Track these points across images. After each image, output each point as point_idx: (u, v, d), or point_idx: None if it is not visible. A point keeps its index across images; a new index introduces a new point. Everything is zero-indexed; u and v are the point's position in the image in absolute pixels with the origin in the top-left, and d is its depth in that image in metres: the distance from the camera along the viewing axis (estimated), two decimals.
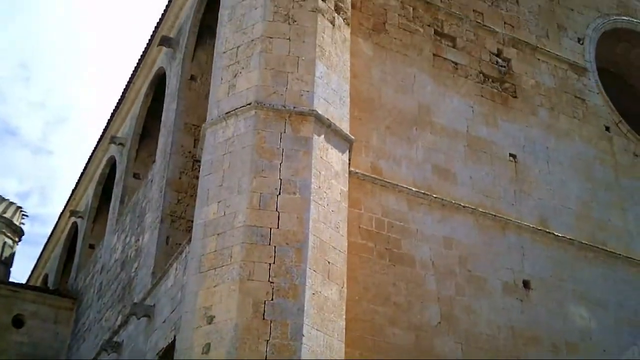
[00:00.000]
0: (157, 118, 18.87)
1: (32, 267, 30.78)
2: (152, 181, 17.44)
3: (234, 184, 11.57)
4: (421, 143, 14.57)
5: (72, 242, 26.10)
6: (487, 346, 13.12)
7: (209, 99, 13.13)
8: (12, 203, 32.52)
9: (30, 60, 73.60)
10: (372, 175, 13.60)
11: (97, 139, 23.82)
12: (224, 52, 13.07)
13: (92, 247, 23.36)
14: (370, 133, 14.07)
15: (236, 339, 10.26)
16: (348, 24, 13.99)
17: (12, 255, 31.85)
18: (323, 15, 13.22)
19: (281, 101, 12.18)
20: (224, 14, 13.67)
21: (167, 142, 16.93)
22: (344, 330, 11.19)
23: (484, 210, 14.40)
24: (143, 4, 72.24)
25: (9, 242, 31.78)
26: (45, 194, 73.37)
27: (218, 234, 11.25)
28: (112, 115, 22.49)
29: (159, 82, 19.78)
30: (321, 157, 12.01)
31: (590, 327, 14.40)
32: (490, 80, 16.14)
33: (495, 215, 14.48)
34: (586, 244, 15.28)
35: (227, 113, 12.29)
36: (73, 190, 25.95)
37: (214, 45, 14.06)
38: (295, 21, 12.92)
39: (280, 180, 11.53)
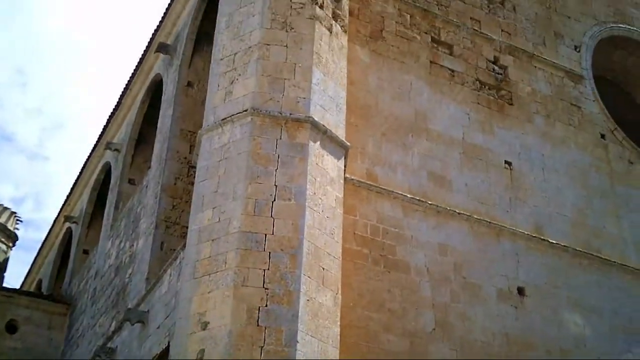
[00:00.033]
0: (153, 124, 18.86)
1: (26, 272, 30.70)
2: (147, 187, 17.43)
3: (229, 190, 11.57)
4: (417, 150, 14.59)
5: (66, 248, 26.04)
6: (481, 353, 13.12)
7: (205, 106, 13.13)
8: (6, 208, 32.46)
9: (27, 66, 73.62)
10: (368, 182, 13.61)
11: (92, 145, 23.82)
12: (221, 59, 13.08)
13: (86, 252, 23.29)
14: (366, 140, 14.08)
15: (230, 345, 10.24)
16: (345, 32, 14.02)
17: (6, 260, 31.75)
18: (320, 22, 13.24)
19: (277, 108, 12.20)
20: (221, 21, 13.69)
21: (163, 148, 16.92)
22: (339, 337, 11.18)
23: (479, 217, 14.41)
24: (140, 11, 72.32)
25: (3, 247, 31.70)
26: (40, 199, 73.28)
27: (213, 240, 11.25)
28: (108, 121, 22.48)
29: (155, 89, 19.78)
30: (317, 164, 12.01)
31: (585, 334, 14.40)
32: (486, 87, 16.17)
33: (490, 222, 14.49)
34: (581, 251, 15.29)
35: (223, 119, 12.30)
36: (68, 196, 25.90)
37: (211, 52, 14.09)
38: (293, 28, 12.95)
39: (276, 186, 11.54)
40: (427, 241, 13.62)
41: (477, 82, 16.08)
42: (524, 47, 17.24)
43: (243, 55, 12.81)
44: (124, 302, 16.54)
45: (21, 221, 33.33)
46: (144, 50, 19.95)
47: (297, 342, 10.40)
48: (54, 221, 27.21)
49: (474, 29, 16.66)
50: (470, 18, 16.79)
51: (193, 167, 14.63)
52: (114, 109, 22.05)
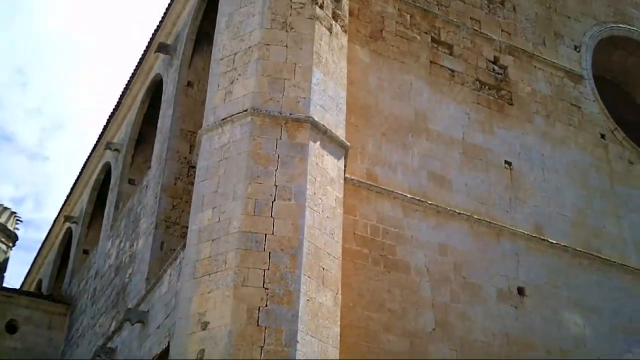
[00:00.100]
0: (153, 124, 18.86)
1: (26, 272, 30.71)
2: (147, 187, 17.43)
3: (229, 190, 11.57)
4: (417, 150, 14.59)
5: (66, 248, 26.04)
6: (481, 353, 13.12)
7: (205, 105, 13.13)
8: (6, 208, 32.45)
9: (27, 66, 73.61)
10: (368, 182, 13.60)
11: (92, 145, 23.83)
12: (221, 59, 13.08)
13: (86, 252, 23.29)
14: (366, 140, 14.08)
15: (230, 345, 10.25)
16: (345, 32, 14.02)
17: (6, 260, 31.75)
18: (320, 22, 13.24)
19: (277, 108, 12.20)
20: (221, 21, 13.69)
21: (163, 148, 16.93)
22: (339, 337, 11.18)
23: (479, 217, 14.41)
24: (140, 11, 72.31)
25: (3, 247, 31.69)
26: (40, 199, 73.28)
27: (213, 240, 11.25)
28: (108, 121, 22.48)
29: (155, 89, 19.79)
30: (317, 164, 12.01)
31: (585, 334, 14.40)
32: (486, 87, 16.17)
33: (490, 222, 14.49)
34: (581, 251, 15.29)
35: (223, 119, 12.30)
36: (68, 196, 25.90)
37: (211, 52, 14.09)
38: (293, 28, 12.95)
39: (276, 186, 11.54)
40: (427, 241, 13.62)
41: (477, 82, 16.08)
42: (524, 47, 17.24)
43: (243, 55, 12.81)
44: (124, 302, 16.55)
45: (21, 221, 33.34)
46: (144, 50, 19.95)
47: (297, 342, 10.40)
48: (54, 221, 27.21)
49: (474, 29, 16.66)
50: (470, 18, 16.80)
51: (193, 167, 14.63)
52: (114, 109, 22.05)
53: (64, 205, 26.27)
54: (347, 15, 14.30)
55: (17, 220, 32.95)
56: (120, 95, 21.56)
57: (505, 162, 15.55)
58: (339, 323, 11.29)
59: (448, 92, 15.57)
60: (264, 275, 10.78)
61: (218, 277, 10.83)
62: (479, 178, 14.98)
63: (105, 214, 21.21)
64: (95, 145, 23.48)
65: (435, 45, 15.96)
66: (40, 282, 28.40)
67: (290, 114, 12.16)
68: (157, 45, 18.78)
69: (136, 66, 20.46)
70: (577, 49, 18.22)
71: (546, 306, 14.28)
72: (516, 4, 17.79)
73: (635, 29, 19.60)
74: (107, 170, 22.74)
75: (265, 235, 11.10)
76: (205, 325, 10.55)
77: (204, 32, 17.34)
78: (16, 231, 32.60)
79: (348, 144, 12.92)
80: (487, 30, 16.88)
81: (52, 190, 71.17)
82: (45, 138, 74.53)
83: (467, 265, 13.81)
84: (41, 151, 73.06)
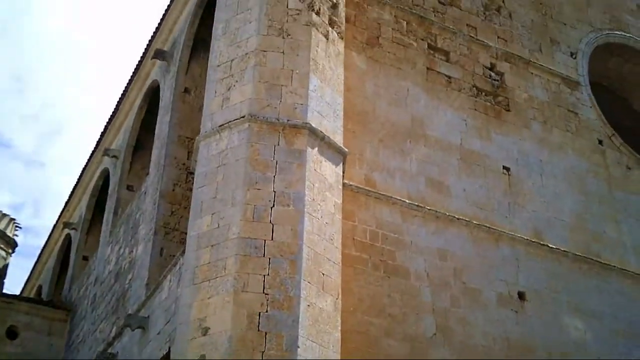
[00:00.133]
0: (150, 131, 18.89)
1: (26, 278, 30.69)
2: (145, 193, 17.45)
3: (227, 196, 11.59)
4: (415, 156, 14.63)
5: (65, 254, 26.03)
6: (482, 357, 13.13)
7: (202, 112, 13.16)
8: (5, 215, 32.44)
9: (24, 73, 73.67)
10: (366, 188, 13.64)
11: (90, 152, 23.85)
12: (218, 66, 13.11)
13: (85, 258, 23.29)
14: (364, 146, 14.12)
15: (231, 350, 10.26)
16: (342, 38, 14.06)
17: (6, 266, 31.72)
18: (317, 29, 13.28)
19: (275, 114, 12.23)
20: (218, 27, 13.73)
21: (161, 154, 16.95)
22: (339, 342, 11.20)
23: (478, 223, 14.44)
24: (137, 17, 72.38)
25: (3, 253, 31.66)
26: (39, 206, 73.27)
27: (212, 246, 11.26)
28: (106, 127, 22.50)
29: (152, 95, 19.81)
30: (315, 170, 12.04)
31: (585, 339, 14.42)
32: (483, 93, 16.22)
33: (489, 228, 14.52)
34: (580, 255, 15.33)
35: (220, 126, 12.33)
36: (66, 202, 25.90)
37: (208, 59, 14.10)
38: (290, 35, 12.99)
39: (274, 192, 11.57)
40: (426, 246, 13.65)
41: (474, 88, 16.13)
42: (520, 54, 17.29)
43: (240, 62, 12.84)
44: (124, 308, 16.55)
45: (20, 227, 33.35)
46: (141, 57, 19.97)
47: (298, 347, 10.41)
48: (53, 227, 27.20)
49: (471, 36, 16.72)
50: (467, 25, 16.86)
51: (191, 173, 14.65)
52: (111, 116, 22.07)
53: (62, 211, 26.27)
54: (344, 22, 14.34)
55: (16, 226, 32.94)
56: (118, 102, 21.58)
57: (503, 167, 15.59)
58: (339, 328, 11.30)
59: (445, 98, 15.62)
60: (264, 280, 10.79)
61: (218, 283, 10.84)
62: (477, 183, 15.02)
63: (104, 220, 21.22)
64: (93, 152, 23.49)
65: (432, 52, 16.02)
66: (40, 288, 28.38)
67: (288, 120, 12.19)
68: (154, 52, 18.80)
69: (133, 72, 20.49)
70: (574, 56, 18.29)
71: (546, 311, 14.31)
72: (512, 10, 17.87)
73: (631, 35, 19.67)
74: (105, 177, 22.75)
75: (265, 241, 11.13)
76: (205, 331, 10.56)
77: (200, 39, 17.37)
78: (15, 237, 32.60)
79: (346, 150, 12.95)
80: (484, 37, 16.94)
81: (50, 197, 71.21)
82: (43, 144, 74.61)
83: (467, 270, 13.84)
84: (39, 157, 73.14)
